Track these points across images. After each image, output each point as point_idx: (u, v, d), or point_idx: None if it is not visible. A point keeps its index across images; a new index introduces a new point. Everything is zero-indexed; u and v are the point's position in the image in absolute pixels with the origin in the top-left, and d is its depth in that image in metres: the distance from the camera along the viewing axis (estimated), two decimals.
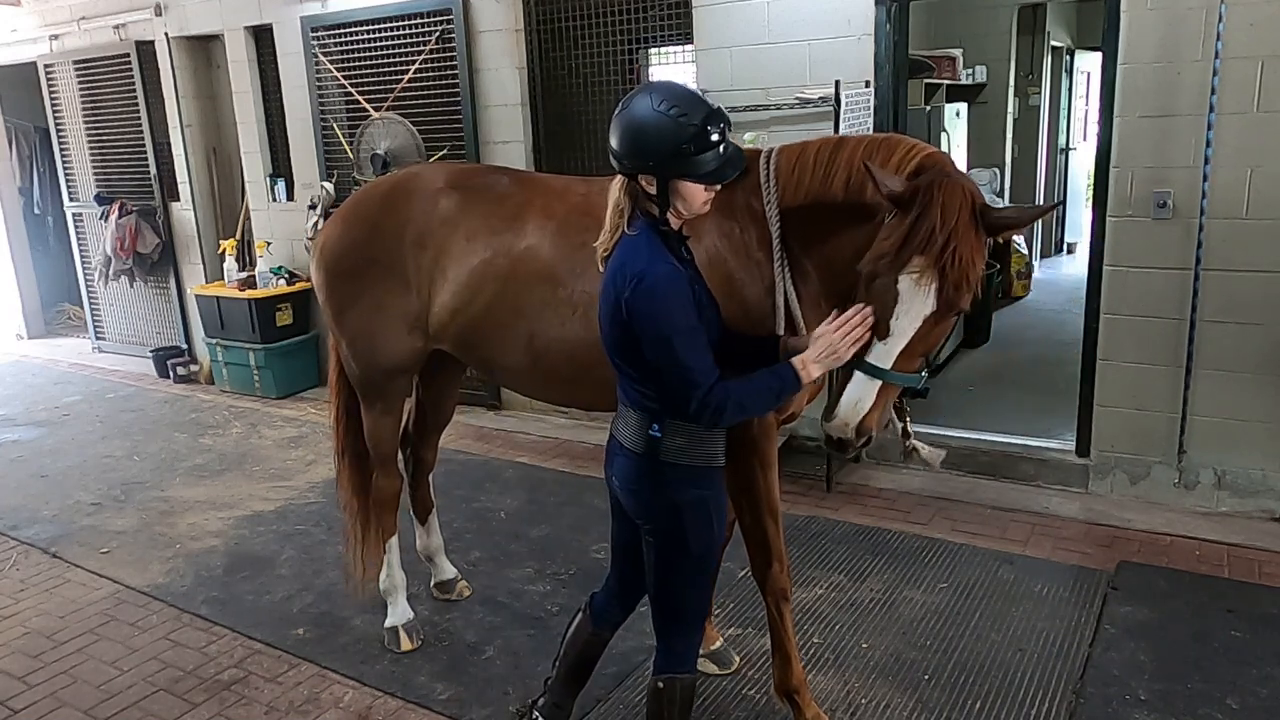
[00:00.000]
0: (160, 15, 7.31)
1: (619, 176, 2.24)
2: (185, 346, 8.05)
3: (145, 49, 7.50)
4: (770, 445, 2.72)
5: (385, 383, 3.38)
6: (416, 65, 6.10)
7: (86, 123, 8.16)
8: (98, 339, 8.92)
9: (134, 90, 7.64)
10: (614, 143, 2.17)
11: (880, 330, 2.23)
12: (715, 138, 2.10)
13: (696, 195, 2.17)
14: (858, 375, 2.28)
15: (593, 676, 2.79)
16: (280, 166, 7.27)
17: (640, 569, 2.50)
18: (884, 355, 2.25)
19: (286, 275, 7.08)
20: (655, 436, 2.25)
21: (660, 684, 2.42)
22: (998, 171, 8.30)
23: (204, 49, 7.57)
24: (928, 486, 4.75)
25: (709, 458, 2.30)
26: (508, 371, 3.13)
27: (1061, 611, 3.60)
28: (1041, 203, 9.25)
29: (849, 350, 2.22)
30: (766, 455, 2.71)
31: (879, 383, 2.26)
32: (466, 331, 3.09)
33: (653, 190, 2.16)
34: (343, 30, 6.39)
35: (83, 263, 8.70)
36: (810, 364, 2.21)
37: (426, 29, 6.03)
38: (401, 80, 6.18)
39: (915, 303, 2.18)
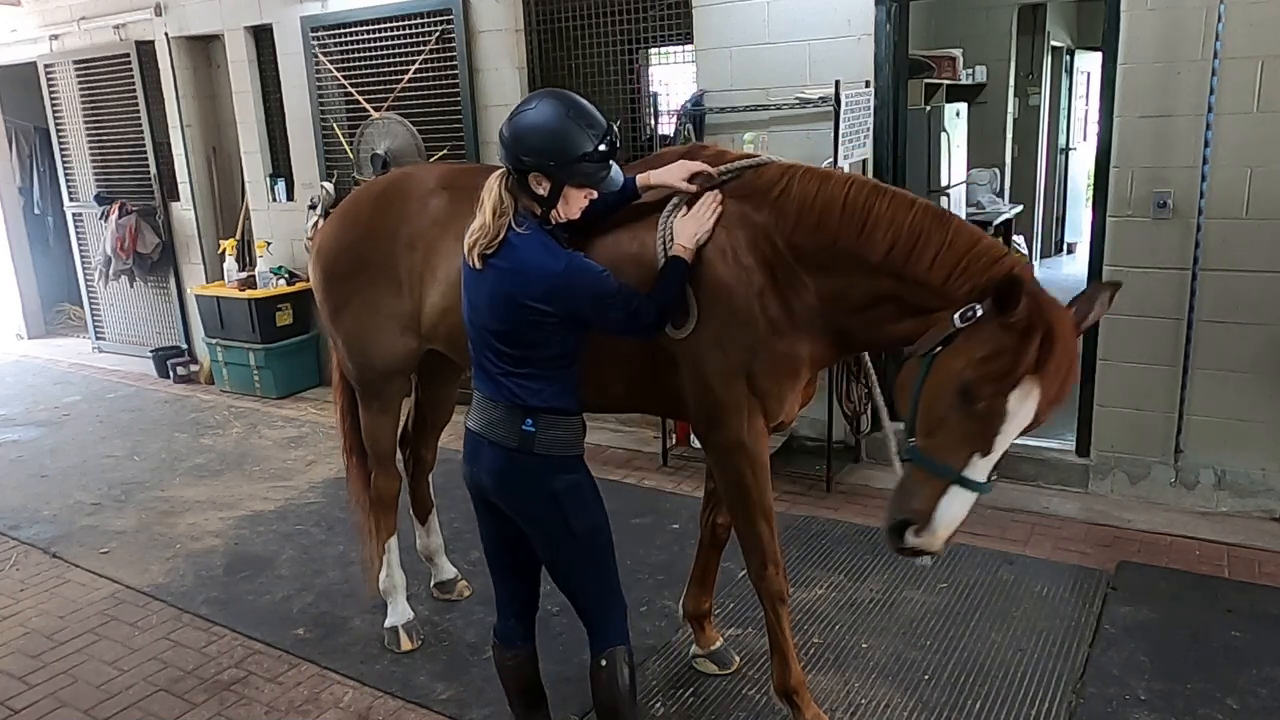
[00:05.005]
0: (160, 15, 7.31)
1: (497, 174, 2.33)
2: (185, 346, 8.06)
3: (145, 49, 7.50)
4: (760, 447, 2.70)
5: (380, 382, 3.39)
6: (416, 65, 6.10)
7: (86, 123, 8.16)
8: (98, 339, 8.91)
9: (134, 90, 7.64)
10: (516, 141, 2.26)
11: (984, 447, 2.20)
12: (606, 150, 2.30)
13: (578, 201, 2.35)
14: (957, 491, 2.23)
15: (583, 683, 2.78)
16: (280, 166, 7.27)
17: (521, 577, 2.60)
18: (985, 469, 2.23)
19: (286, 275, 7.08)
20: (529, 431, 2.34)
21: (603, 661, 2.47)
22: (997, 171, 8.29)
23: (204, 49, 7.57)
24: None
25: (576, 446, 2.44)
26: None
27: (1061, 611, 3.61)
28: (1041, 205, 9.30)
29: (710, 224, 2.52)
30: (757, 457, 2.69)
31: (975, 495, 2.25)
32: (456, 331, 3.07)
33: (540, 190, 2.29)
34: (343, 30, 6.39)
35: (83, 263, 8.70)
36: (688, 249, 2.49)
37: (426, 29, 6.03)
38: (401, 80, 6.18)
39: (1019, 417, 2.17)
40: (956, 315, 2.22)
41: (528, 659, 2.70)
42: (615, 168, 2.36)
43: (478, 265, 2.32)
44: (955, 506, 2.24)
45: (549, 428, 2.37)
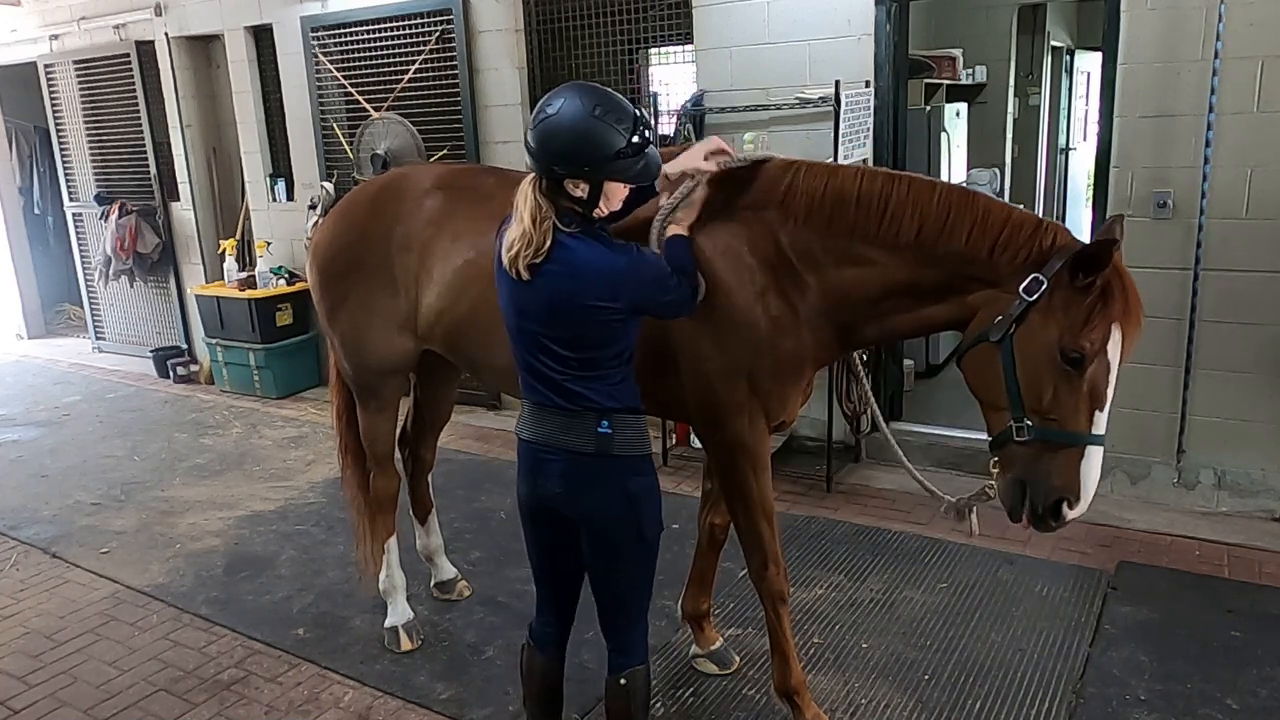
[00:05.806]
0: (160, 15, 7.31)
1: (529, 179, 2.23)
2: (185, 346, 8.06)
3: (145, 49, 7.50)
4: (763, 447, 2.70)
5: (377, 382, 3.39)
6: (416, 65, 6.10)
7: (86, 123, 8.16)
8: (98, 339, 8.91)
9: (134, 90, 7.64)
10: (545, 148, 2.15)
11: (1102, 402, 2.25)
12: (640, 141, 2.19)
13: (619, 192, 2.26)
14: (1093, 451, 2.25)
15: (587, 682, 2.78)
16: (280, 166, 7.27)
17: (568, 584, 2.52)
18: (1105, 421, 2.27)
19: (286, 275, 7.08)
20: (606, 433, 2.28)
21: (623, 680, 2.43)
22: (997, 171, 8.28)
23: (204, 49, 7.57)
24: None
25: (647, 444, 2.39)
26: (494, 371, 3.11)
27: (1061, 611, 3.60)
28: (1041, 205, 9.29)
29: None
30: (760, 458, 2.69)
31: (1103, 448, 2.28)
32: (453, 332, 3.09)
33: (579, 193, 2.19)
34: (343, 30, 6.39)
35: (83, 263, 8.70)
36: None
37: (426, 29, 6.04)
38: (401, 80, 6.18)
39: (1116, 365, 2.24)
40: (1021, 289, 2.23)
41: (557, 664, 2.64)
42: (652, 151, 2.25)
43: (525, 276, 2.20)
44: (1095, 465, 2.27)
45: (624, 428, 2.30)
